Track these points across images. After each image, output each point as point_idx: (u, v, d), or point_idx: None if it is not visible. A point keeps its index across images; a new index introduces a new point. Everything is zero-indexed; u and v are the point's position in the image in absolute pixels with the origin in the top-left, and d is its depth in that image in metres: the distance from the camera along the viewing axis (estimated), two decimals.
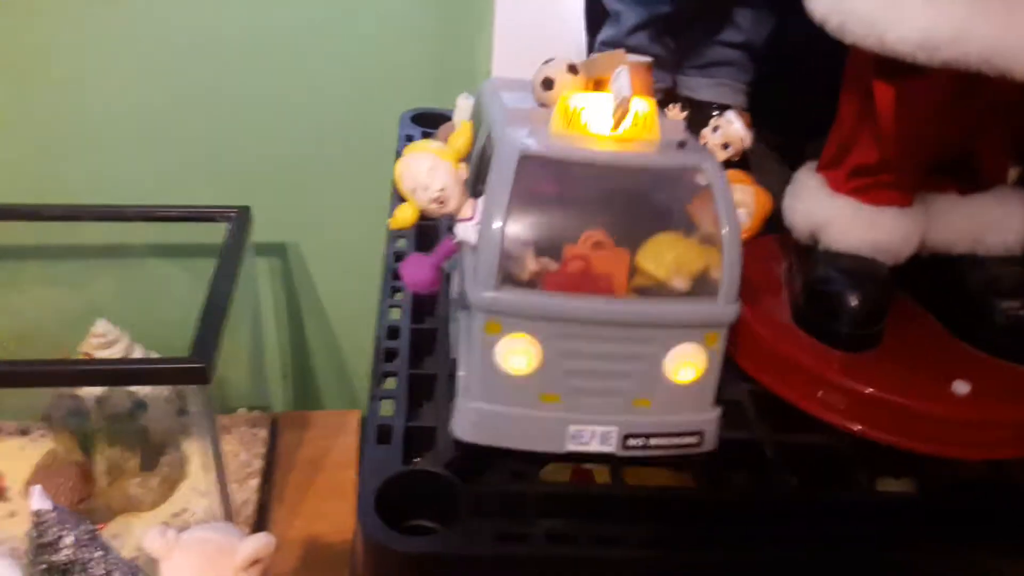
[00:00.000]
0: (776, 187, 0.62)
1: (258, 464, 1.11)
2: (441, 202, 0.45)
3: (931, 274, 0.59)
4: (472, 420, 0.44)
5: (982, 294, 0.56)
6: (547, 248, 0.42)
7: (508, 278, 0.42)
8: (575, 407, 0.43)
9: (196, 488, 1.03)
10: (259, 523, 1.03)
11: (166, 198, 1.15)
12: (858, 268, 0.55)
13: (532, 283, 0.42)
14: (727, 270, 0.43)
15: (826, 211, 0.57)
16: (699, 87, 0.78)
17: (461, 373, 0.44)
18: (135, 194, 1.16)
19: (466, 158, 0.48)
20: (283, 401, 1.38)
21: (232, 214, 1.05)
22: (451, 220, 0.47)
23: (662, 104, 0.67)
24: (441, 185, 0.45)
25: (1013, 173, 0.64)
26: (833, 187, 0.58)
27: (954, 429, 0.51)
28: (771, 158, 0.81)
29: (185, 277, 1.20)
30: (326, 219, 1.24)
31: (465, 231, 0.45)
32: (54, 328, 1.15)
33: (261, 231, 1.17)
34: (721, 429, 0.47)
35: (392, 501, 0.44)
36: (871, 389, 0.51)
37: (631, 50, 0.74)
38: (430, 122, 0.92)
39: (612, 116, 0.44)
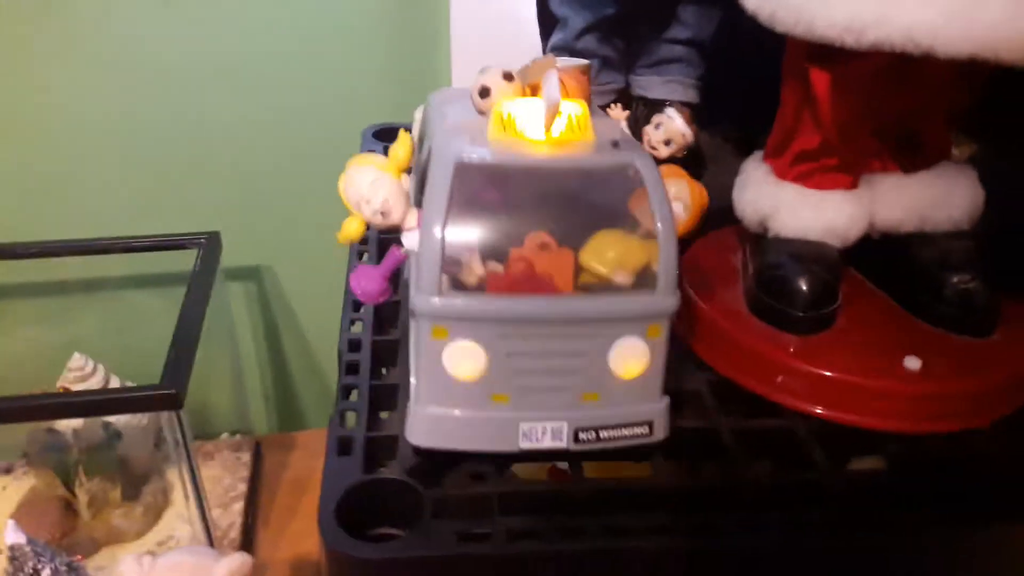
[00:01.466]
0: (732, 180, 0.63)
1: (242, 488, 1.11)
2: (385, 214, 0.46)
3: (882, 253, 0.60)
4: (425, 425, 0.44)
5: (932, 269, 0.57)
6: (493, 252, 0.43)
7: (453, 284, 0.42)
8: (525, 405, 0.44)
9: (181, 515, 1.03)
10: (244, 547, 1.04)
11: (138, 229, 1.15)
12: (807, 252, 0.56)
13: (478, 287, 0.43)
14: (663, 263, 0.43)
15: (773, 199, 0.58)
16: (651, 85, 0.79)
17: (412, 380, 0.45)
18: (107, 227, 1.16)
19: (409, 168, 0.49)
20: (267, 423, 1.38)
21: (202, 240, 1.06)
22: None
23: (617, 103, 0.68)
24: (384, 197, 0.45)
25: (963, 150, 0.65)
26: (778, 174, 0.58)
27: (909, 404, 0.52)
28: (728, 151, 0.82)
29: (160, 306, 1.20)
30: (297, 240, 1.24)
31: (410, 240, 0.45)
32: (33, 364, 1.15)
33: (234, 255, 1.18)
34: (674, 418, 0.47)
35: (354, 511, 0.44)
36: (826, 370, 0.52)
37: (579, 53, 0.76)
38: (391, 136, 0.93)
39: (544, 120, 0.45)
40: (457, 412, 0.44)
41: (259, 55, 1.12)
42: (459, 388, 0.43)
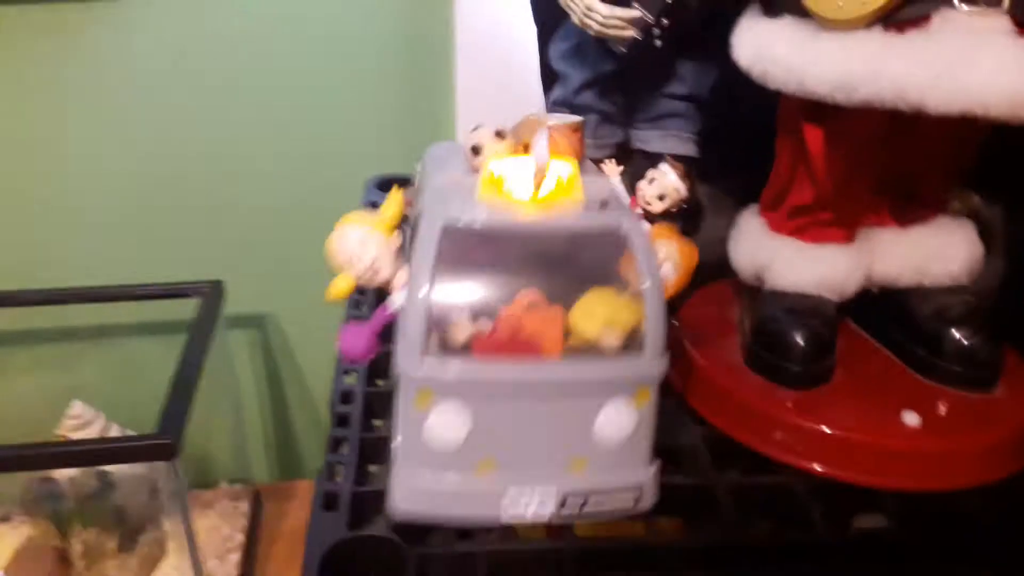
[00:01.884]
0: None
1: (239, 538, 1.10)
2: (374, 272, 0.45)
3: (881, 307, 0.59)
4: (407, 492, 0.43)
5: (932, 324, 0.57)
6: (481, 311, 0.43)
7: (439, 345, 0.42)
8: (511, 473, 0.43)
9: (177, 566, 1.02)
10: None
11: (141, 277, 1.16)
12: (803, 306, 0.55)
13: (465, 348, 0.42)
14: (651, 325, 0.43)
15: (768, 252, 0.58)
16: (650, 139, 0.79)
17: (395, 444, 0.44)
18: (110, 275, 1.17)
19: (400, 225, 0.49)
20: (267, 472, 1.37)
21: (204, 288, 1.06)
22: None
23: (614, 158, 0.68)
24: (373, 255, 0.45)
25: (963, 202, 0.65)
26: (774, 228, 0.58)
27: (909, 461, 0.51)
28: (727, 204, 0.82)
29: (162, 354, 1.20)
30: (300, 288, 1.24)
31: (399, 299, 0.45)
32: (33, 412, 1.15)
33: (237, 303, 1.18)
34: (669, 474, 0.46)
35: (339, 568, 0.43)
36: (824, 427, 0.51)
37: (579, 108, 0.76)
38: (395, 187, 0.93)
39: (532, 181, 0.45)
40: (441, 480, 0.43)
41: (265, 105, 1.14)
42: (443, 454, 0.42)
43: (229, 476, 1.25)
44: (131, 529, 1.00)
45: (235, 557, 1.06)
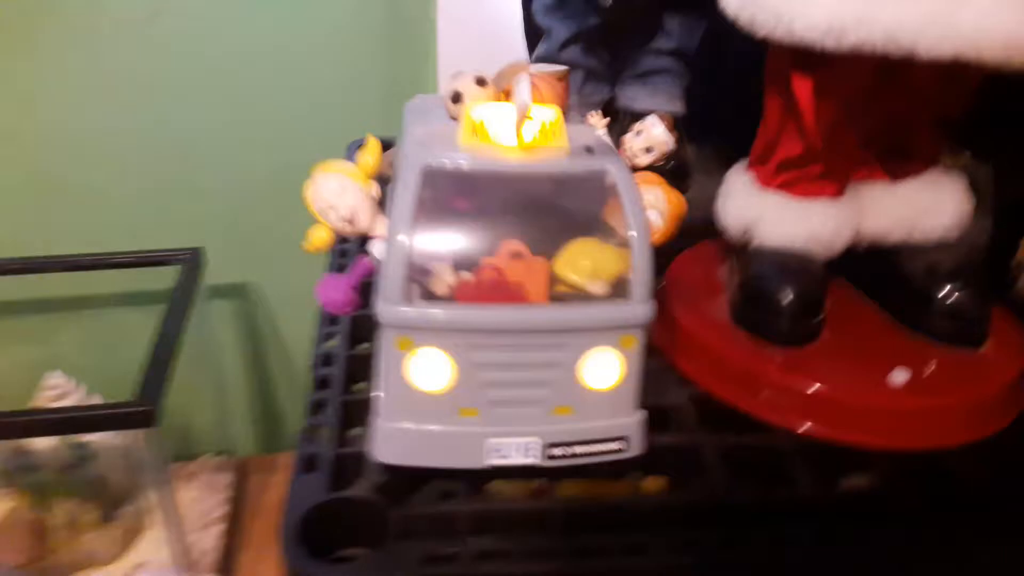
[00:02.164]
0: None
1: (222, 510, 1.09)
2: (351, 221, 0.44)
3: (870, 263, 0.58)
4: (390, 441, 0.43)
5: (921, 280, 0.56)
6: (464, 261, 0.42)
7: (422, 293, 0.41)
8: (494, 420, 0.42)
9: (159, 538, 1.01)
10: (224, 571, 1.01)
11: (122, 246, 1.14)
12: (791, 262, 0.54)
13: (448, 297, 0.41)
14: (637, 271, 0.42)
15: (756, 208, 0.57)
16: (637, 96, 0.78)
17: (377, 393, 0.43)
18: (91, 244, 1.15)
19: (378, 175, 0.47)
20: (251, 444, 1.36)
21: (184, 256, 1.04)
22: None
23: (604, 116, 0.67)
24: (350, 204, 0.44)
25: (955, 160, 0.64)
26: (762, 183, 0.57)
27: (898, 420, 0.50)
28: (716, 165, 0.80)
29: (143, 324, 1.18)
30: (283, 257, 1.22)
31: (378, 249, 0.44)
32: (10, 384, 1.13)
33: (219, 273, 1.16)
34: (655, 434, 0.45)
35: (319, 530, 0.42)
36: (812, 385, 0.50)
37: (564, 64, 0.75)
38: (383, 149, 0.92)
39: (515, 125, 0.43)
40: (423, 427, 0.42)
41: (245, 71, 1.12)
42: (425, 402, 0.42)
43: (212, 448, 1.24)
44: (112, 501, 0.99)
45: (217, 529, 1.05)
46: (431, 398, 0.42)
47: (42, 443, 0.92)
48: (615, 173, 0.42)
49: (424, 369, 0.41)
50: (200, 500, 1.09)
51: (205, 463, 1.18)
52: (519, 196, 0.44)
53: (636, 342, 0.43)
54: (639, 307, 0.42)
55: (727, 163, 0.76)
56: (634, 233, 0.42)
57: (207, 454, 1.20)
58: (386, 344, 0.41)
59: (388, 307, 0.41)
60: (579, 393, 0.43)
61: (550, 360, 0.42)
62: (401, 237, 0.40)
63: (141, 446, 0.87)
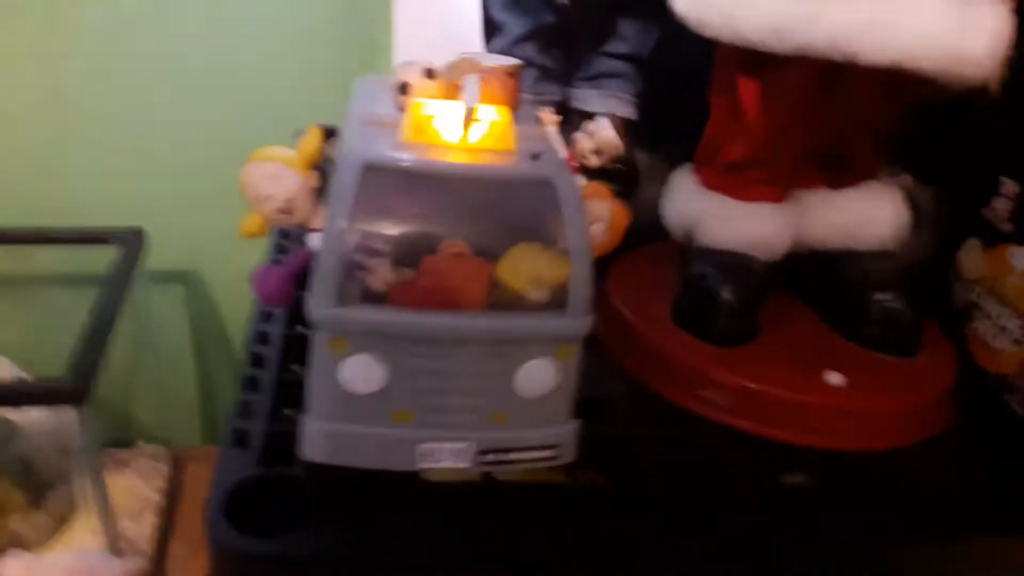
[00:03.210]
0: None
1: (156, 499, 1.07)
2: (287, 212, 0.43)
3: (809, 269, 0.60)
4: (320, 440, 0.42)
5: (857, 288, 0.57)
6: (404, 259, 0.40)
7: (356, 293, 0.40)
8: (429, 424, 0.42)
9: (90, 525, 0.98)
10: (157, 559, 0.99)
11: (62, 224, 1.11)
12: (731, 263, 0.55)
13: (382, 297, 0.40)
14: (575, 284, 0.41)
15: (699, 208, 0.57)
16: (588, 98, 0.79)
17: (309, 391, 0.42)
18: (32, 219, 1.12)
19: (318, 164, 0.46)
20: (191, 436, 1.33)
21: (125, 235, 1.02)
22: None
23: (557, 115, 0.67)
24: (286, 195, 0.43)
25: (895, 181, 0.66)
26: (706, 183, 0.58)
27: (831, 419, 0.51)
28: (665, 170, 0.81)
29: (80, 304, 1.16)
30: (228, 244, 1.21)
31: (315, 241, 0.43)
32: None
33: (162, 258, 1.14)
34: (592, 425, 0.45)
35: (246, 506, 0.42)
36: (747, 383, 0.51)
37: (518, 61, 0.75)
38: (329, 136, 0.91)
39: (460, 125, 0.43)
40: (355, 429, 0.41)
41: (196, 53, 1.10)
42: (358, 403, 0.41)
43: (149, 437, 1.21)
44: (40, 485, 0.96)
45: (151, 518, 1.03)
46: (363, 400, 0.41)
47: None
48: (559, 184, 0.41)
49: (357, 371, 0.40)
50: (134, 487, 1.07)
51: (140, 451, 1.15)
52: (462, 196, 0.43)
53: (573, 353, 0.42)
54: (577, 320, 0.42)
55: (674, 168, 0.77)
56: (574, 246, 0.41)
57: (142, 441, 1.18)
58: (319, 344, 0.41)
59: (321, 308, 0.40)
60: (514, 401, 0.42)
61: (487, 369, 0.41)
62: (336, 236, 0.39)
63: (71, 429, 0.85)
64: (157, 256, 1.12)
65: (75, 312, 1.15)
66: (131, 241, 1.01)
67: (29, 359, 1.03)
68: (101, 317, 0.84)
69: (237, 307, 1.26)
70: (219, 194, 1.17)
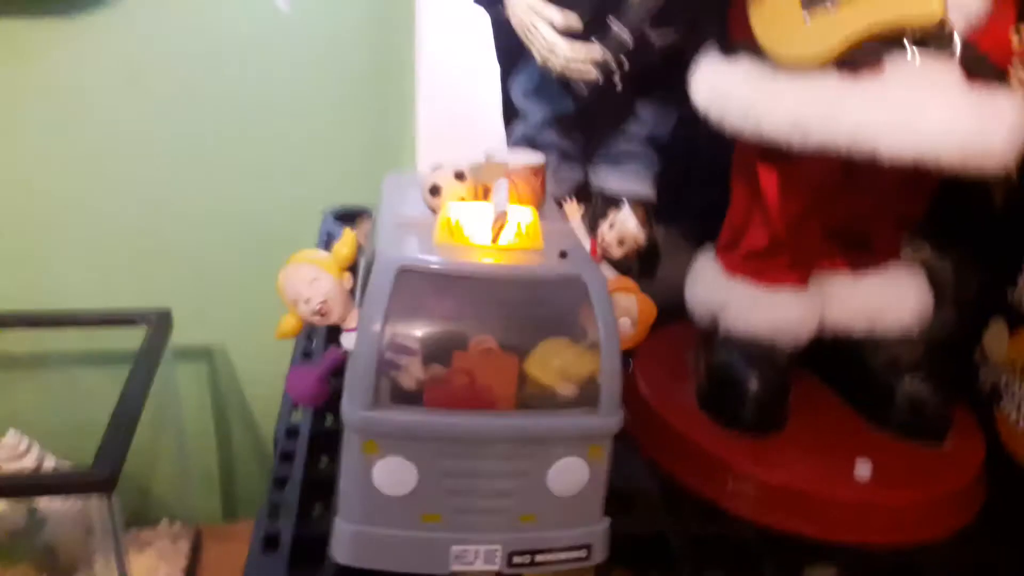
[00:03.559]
0: None
1: None
2: (323, 314, 0.44)
3: (834, 355, 0.59)
4: (351, 543, 0.41)
5: (883, 374, 0.57)
6: (434, 356, 0.41)
7: (388, 393, 0.40)
8: (458, 526, 0.41)
9: None
10: None
11: (91, 305, 1.12)
12: (757, 351, 0.55)
13: (415, 396, 0.40)
14: (606, 381, 0.41)
15: (723, 294, 0.58)
16: (608, 177, 0.79)
17: (341, 492, 0.42)
18: (59, 302, 1.13)
19: (352, 266, 0.47)
20: (211, 512, 1.32)
21: (151, 317, 1.03)
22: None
23: (574, 196, 0.68)
24: (322, 298, 0.43)
25: (916, 254, 0.66)
26: (729, 270, 0.58)
27: (859, 515, 0.50)
28: (685, 247, 0.82)
29: (107, 384, 1.16)
30: (251, 322, 1.21)
31: (348, 341, 0.43)
32: None
33: (186, 335, 1.15)
34: (621, 521, 0.45)
35: None
36: (776, 478, 0.51)
37: (539, 145, 0.76)
38: (353, 219, 0.92)
39: (491, 228, 0.44)
40: (386, 531, 0.41)
41: (223, 132, 1.12)
42: (389, 505, 0.41)
43: (170, 514, 1.21)
44: (62, 568, 0.96)
45: None
46: (394, 502, 0.41)
47: None
48: (588, 280, 0.42)
49: (389, 474, 0.40)
50: (156, 568, 1.06)
51: (162, 530, 1.15)
52: (492, 295, 0.43)
53: (604, 452, 0.42)
54: (609, 418, 0.42)
55: (695, 246, 0.77)
56: (604, 344, 0.41)
57: (164, 519, 1.17)
58: (350, 446, 0.41)
59: (356, 411, 0.40)
60: (544, 500, 0.42)
61: (516, 469, 0.41)
62: (372, 340, 0.40)
63: (95, 512, 0.84)
64: (181, 331, 1.13)
65: (101, 391, 1.16)
66: (158, 322, 1.01)
67: (54, 440, 1.03)
68: (128, 402, 0.84)
69: (259, 382, 1.26)
70: (243, 272, 1.19)
